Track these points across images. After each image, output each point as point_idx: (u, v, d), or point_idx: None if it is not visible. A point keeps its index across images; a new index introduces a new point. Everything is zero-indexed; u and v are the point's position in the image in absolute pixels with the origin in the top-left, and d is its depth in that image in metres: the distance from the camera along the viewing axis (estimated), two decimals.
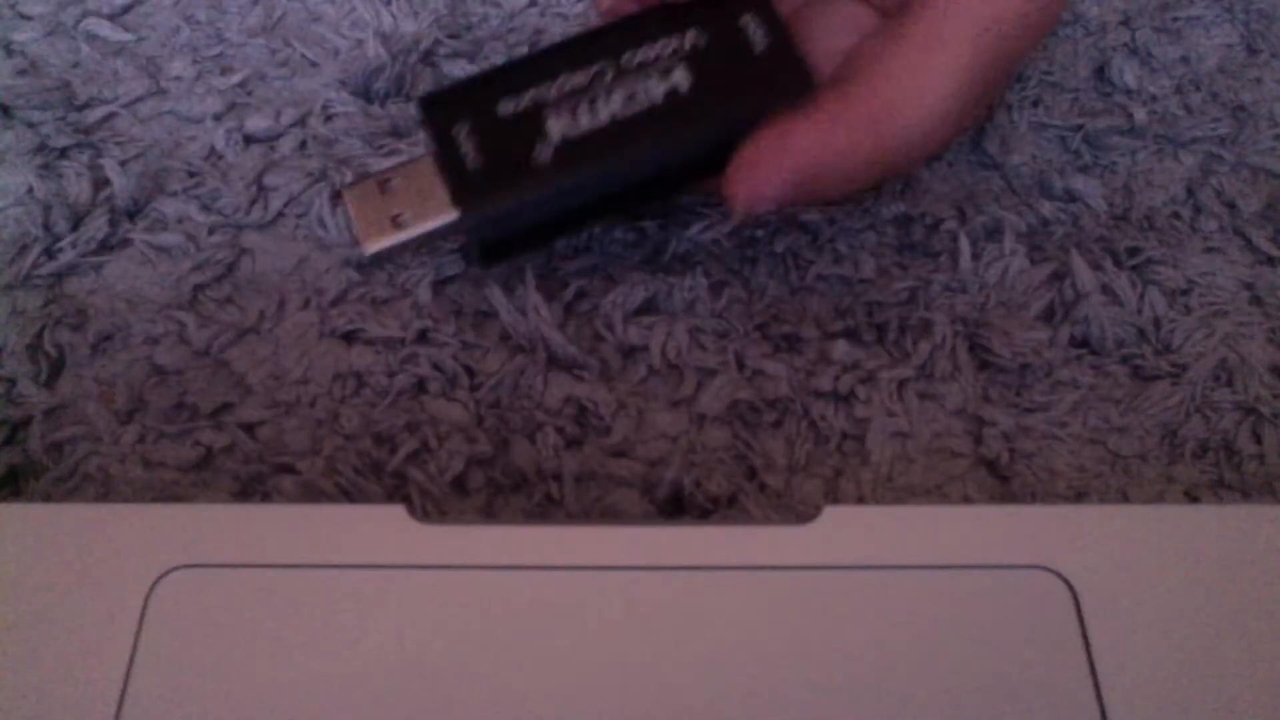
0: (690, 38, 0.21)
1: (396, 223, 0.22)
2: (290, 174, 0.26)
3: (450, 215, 0.21)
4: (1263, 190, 0.26)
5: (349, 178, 0.26)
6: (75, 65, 0.28)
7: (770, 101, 0.21)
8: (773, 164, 0.21)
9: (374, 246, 0.22)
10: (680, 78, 0.21)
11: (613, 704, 0.17)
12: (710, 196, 0.26)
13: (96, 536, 0.18)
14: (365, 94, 0.27)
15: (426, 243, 0.23)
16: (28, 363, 0.23)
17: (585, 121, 0.21)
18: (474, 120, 0.21)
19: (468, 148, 0.21)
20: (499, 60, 0.28)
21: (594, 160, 0.21)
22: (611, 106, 0.21)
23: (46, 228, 0.25)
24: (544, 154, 0.21)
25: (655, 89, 0.21)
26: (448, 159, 0.21)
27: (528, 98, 0.21)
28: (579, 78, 0.21)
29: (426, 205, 0.21)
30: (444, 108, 0.21)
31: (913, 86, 0.21)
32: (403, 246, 0.22)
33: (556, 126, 0.21)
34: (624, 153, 0.21)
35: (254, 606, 0.17)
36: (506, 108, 0.21)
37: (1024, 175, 0.26)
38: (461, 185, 0.21)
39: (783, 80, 0.21)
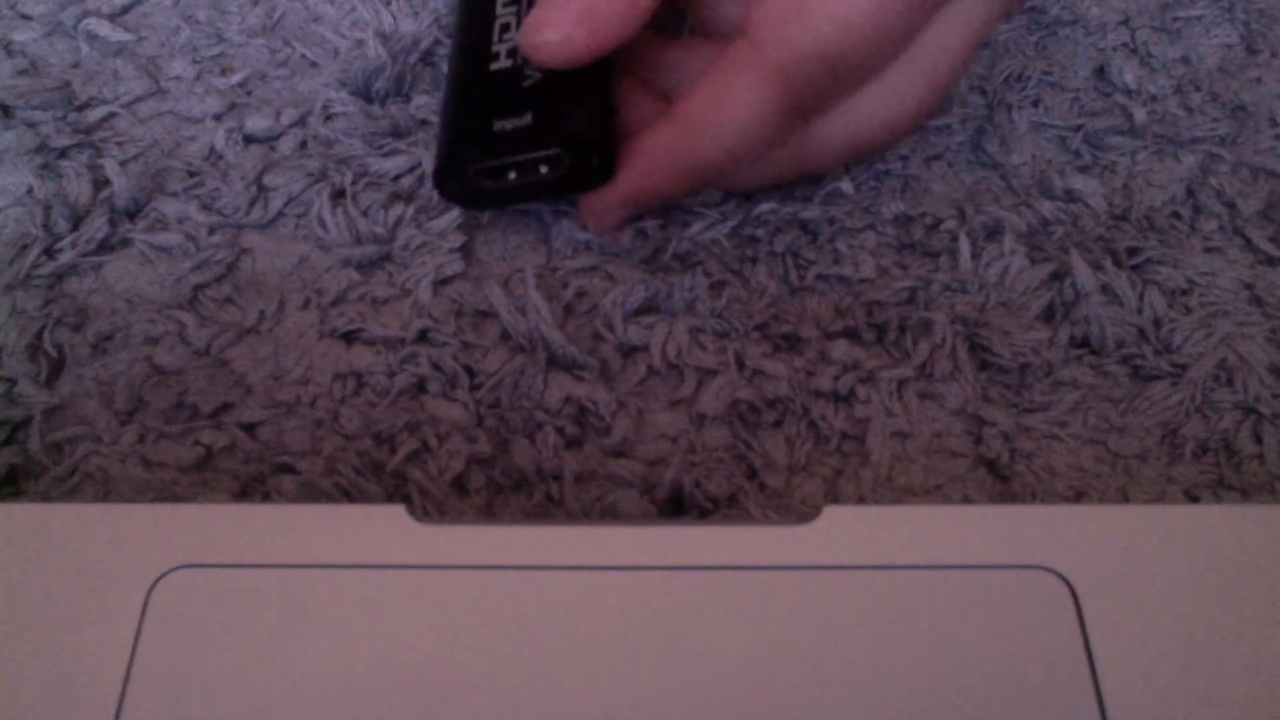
0: None
1: None
2: (290, 174, 0.26)
3: None
4: (1263, 190, 0.26)
5: (349, 178, 0.26)
6: (75, 65, 0.28)
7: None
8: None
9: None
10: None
11: (613, 704, 0.17)
12: (710, 196, 0.26)
13: (96, 536, 0.18)
14: (365, 94, 0.27)
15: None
16: (28, 363, 0.23)
17: None
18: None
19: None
20: None
21: None
22: None
23: (46, 228, 0.25)
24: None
25: None
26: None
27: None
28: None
29: None
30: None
31: (715, 105, 0.22)
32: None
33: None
34: None
35: (254, 606, 0.17)
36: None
37: (1024, 175, 0.26)
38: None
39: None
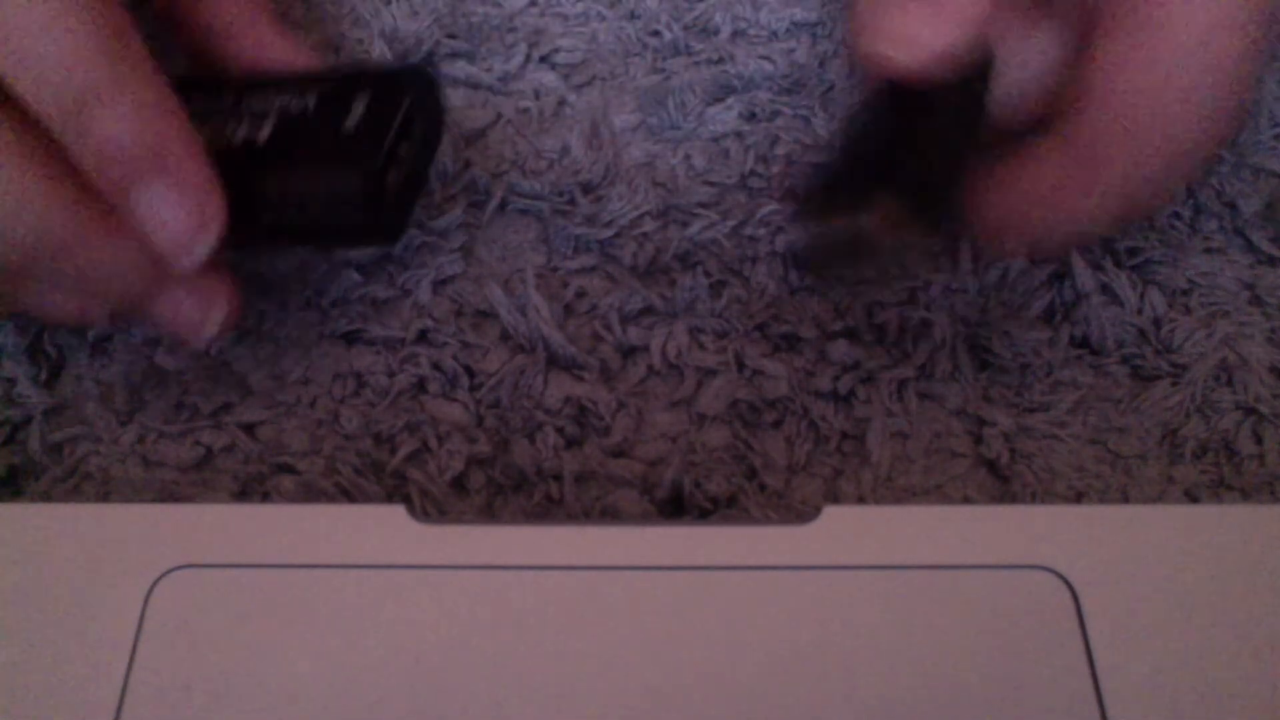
0: (304, 100, 0.21)
1: None
2: None
3: None
4: (1263, 190, 0.26)
5: None
6: None
7: (318, 178, 0.21)
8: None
9: None
10: (263, 132, 0.21)
11: (613, 704, 0.17)
12: (709, 196, 0.26)
13: (96, 536, 0.18)
14: None
15: None
16: (28, 363, 0.23)
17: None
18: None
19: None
20: (498, 61, 0.28)
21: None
22: (204, 133, 0.20)
23: None
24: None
25: (240, 132, 0.21)
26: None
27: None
28: (206, 103, 0.21)
29: None
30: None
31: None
32: None
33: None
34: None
35: (254, 606, 0.17)
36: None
37: None
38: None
39: (340, 158, 0.21)
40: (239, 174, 0.20)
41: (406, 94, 0.21)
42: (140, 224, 0.20)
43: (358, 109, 0.21)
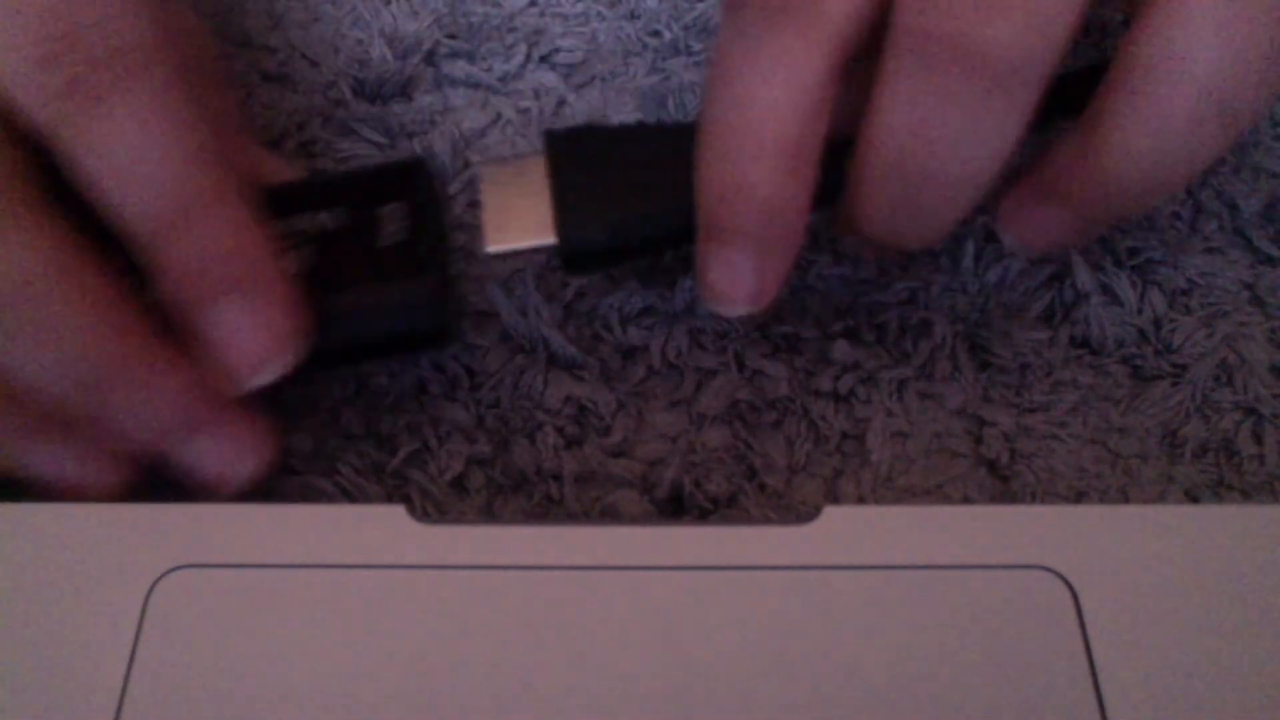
0: (332, 216, 0.21)
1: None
2: (291, 174, 0.26)
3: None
4: (1263, 190, 0.26)
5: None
6: None
7: (378, 290, 0.20)
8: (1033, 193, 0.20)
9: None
10: (301, 260, 0.20)
11: (613, 704, 0.17)
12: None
13: (96, 536, 0.18)
14: (368, 94, 0.27)
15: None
16: None
17: None
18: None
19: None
20: (498, 61, 0.28)
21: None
22: None
23: None
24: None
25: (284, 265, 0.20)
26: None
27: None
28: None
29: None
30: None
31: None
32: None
33: None
34: None
35: (254, 606, 0.17)
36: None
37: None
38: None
39: (398, 270, 0.20)
40: None
41: (421, 191, 0.21)
42: (215, 341, 0.19)
43: (388, 220, 0.20)
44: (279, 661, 0.17)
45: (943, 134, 0.18)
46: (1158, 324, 0.24)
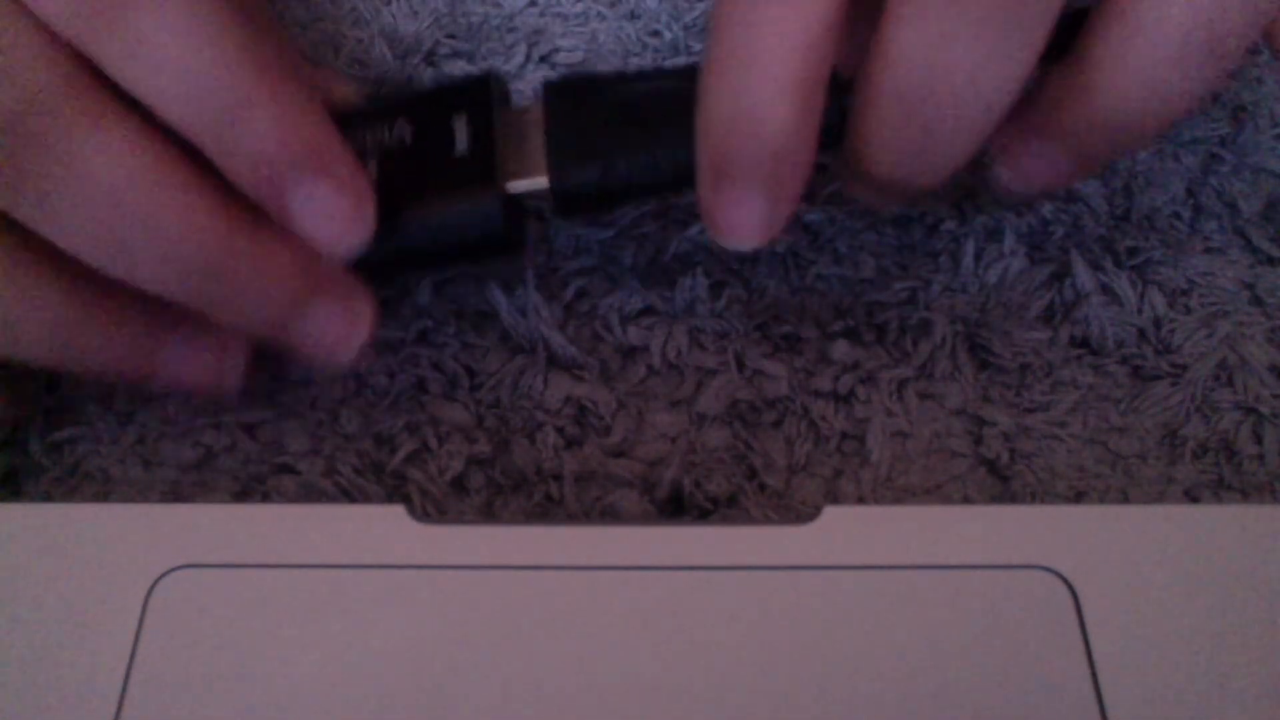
0: (396, 132, 0.21)
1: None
2: None
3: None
4: (1263, 190, 0.26)
5: None
6: None
7: (444, 206, 0.21)
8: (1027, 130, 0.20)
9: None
10: (370, 170, 0.21)
11: (613, 704, 0.17)
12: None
13: (96, 536, 0.18)
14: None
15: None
16: None
17: None
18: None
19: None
20: (498, 61, 0.28)
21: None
22: None
23: None
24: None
25: None
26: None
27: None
28: None
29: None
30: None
31: None
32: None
33: None
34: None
35: (254, 606, 0.17)
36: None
37: None
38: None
39: (464, 182, 0.21)
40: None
41: (488, 104, 0.21)
42: (300, 222, 0.19)
43: (457, 133, 0.21)
44: (279, 661, 0.17)
45: (958, 63, 0.18)
46: (1158, 324, 0.24)
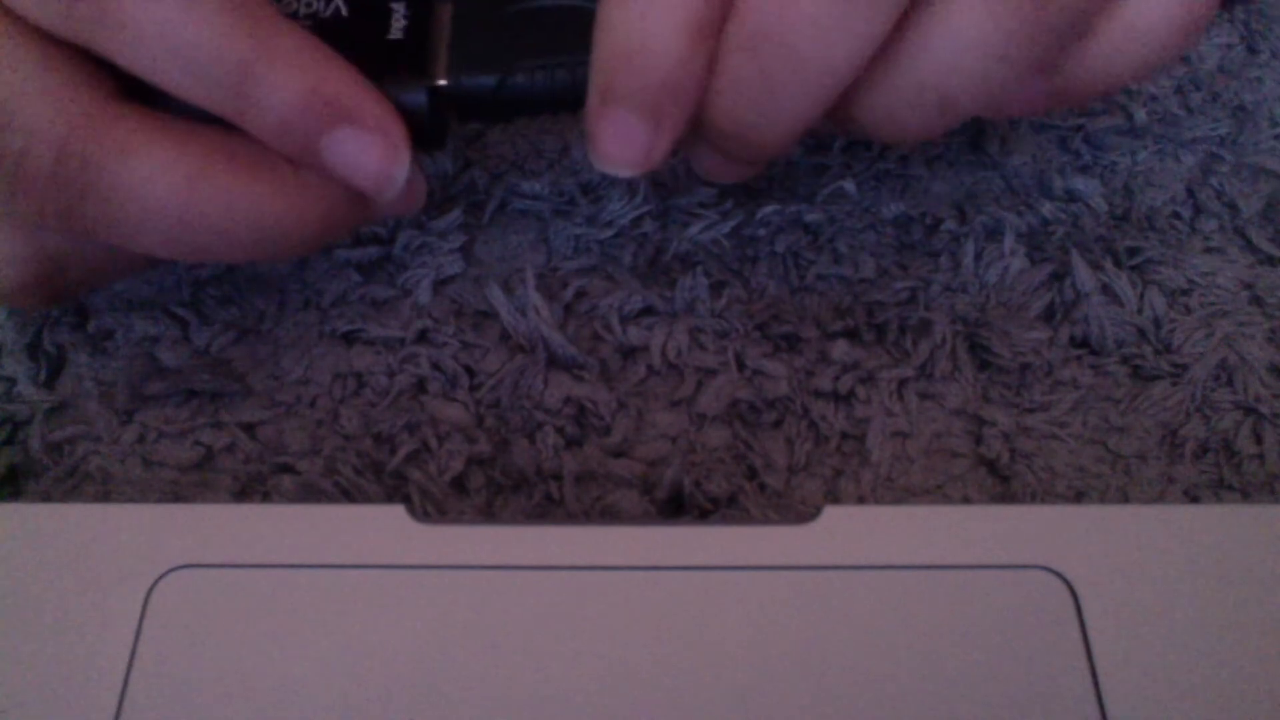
0: (332, 6, 0.21)
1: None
2: None
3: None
4: (1263, 190, 0.26)
5: None
6: None
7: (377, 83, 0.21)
8: None
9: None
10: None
11: (613, 704, 0.17)
12: (709, 196, 0.26)
13: (96, 536, 0.18)
14: None
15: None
16: (28, 362, 0.23)
17: None
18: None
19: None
20: None
21: None
22: None
23: None
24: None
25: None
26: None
27: None
28: None
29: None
30: None
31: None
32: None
33: None
34: None
35: (254, 606, 0.17)
36: None
37: (1024, 175, 0.26)
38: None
39: (393, 70, 0.21)
40: None
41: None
42: (340, 173, 0.20)
43: (398, 16, 0.21)
44: (279, 661, 0.17)
45: (806, 15, 0.19)
46: (1158, 324, 0.24)
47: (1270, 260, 0.25)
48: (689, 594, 0.18)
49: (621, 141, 0.20)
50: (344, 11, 0.21)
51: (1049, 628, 0.17)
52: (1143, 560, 0.18)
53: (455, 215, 0.25)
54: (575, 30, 0.21)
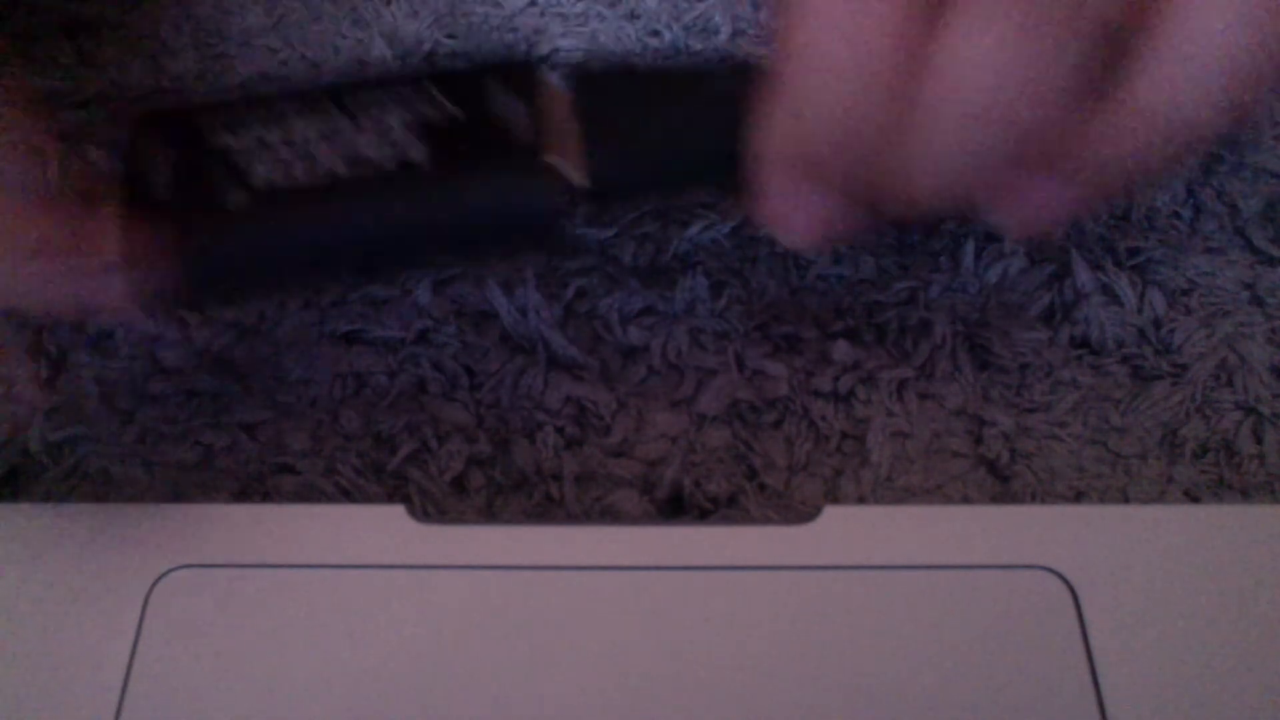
0: (440, 108, 0.20)
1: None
2: None
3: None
4: (1263, 190, 0.26)
5: None
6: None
7: (504, 184, 0.20)
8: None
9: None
10: (416, 150, 0.19)
11: (613, 704, 0.17)
12: (709, 196, 0.26)
13: (96, 536, 0.18)
14: None
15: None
16: (28, 362, 0.23)
17: (299, 173, 0.19)
18: (181, 149, 0.19)
19: (161, 177, 0.19)
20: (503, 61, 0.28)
21: (294, 213, 0.19)
22: (335, 163, 0.19)
23: None
24: (238, 198, 0.19)
25: (387, 156, 0.19)
26: (136, 186, 0.19)
27: (248, 137, 0.19)
28: (311, 126, 0.19)
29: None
30: (155, 128, 0.20)
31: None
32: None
33: (263, 171, 0.19)
34: (334, 211, 0.19)
35: (254, 606, 0.17)
36: (221, 141, 0.19)
37: None
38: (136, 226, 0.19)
39: (524, 167, 0.19)
40: (410, 196, 0.19)
41: (538, 92, 0.20)
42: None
43: (514, 111, 0.20)
44: (279, 661, 0.17)
45: (1017, 69, 0.17)
46: (1158, 324, 0.24)
47: (1270, 260, 0.25)
48: (689, 594, 0.18)
49: (806, 216, 0.20)
50: (460, 116, 0.20)
51: (1049, 628, 0.17)
52: (1143, 560, 0.18)
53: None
54: (704, 100, 0.20)
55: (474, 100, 0.20)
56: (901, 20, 0.18)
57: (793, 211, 0.20)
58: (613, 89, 0.21)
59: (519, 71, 0.20)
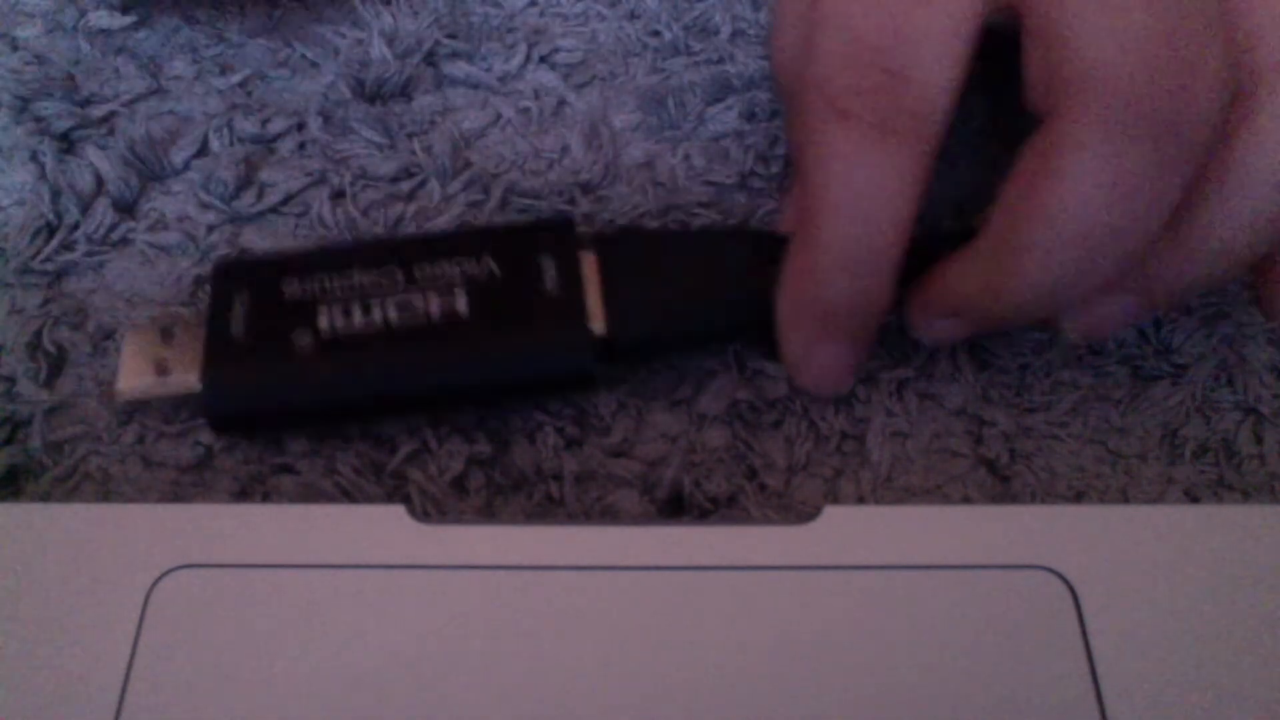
0: (482, 264, 0.22)
1: (160, 370, 0.21)
2: (289, 173, 0.26)
3: (193, 386, 0.21)
4: None
5: (349, 178, 0.26)
6: (76, 63, 0.28)
7: (539, 342, 0.21)
8: (933, 302, 0.21)
9: (128, 391, 0.21)
10: (460, 302, 0.21)
11: (612, 704, 0.17)
12: (710, 195, 0.26)
13: (96, 536, 0.18)
14: (367, 94, 0.27)
15: (181, 402, 0.22)
16: (28, 362, 0.23)
17: (357, 321, 0.21)
18: (254, 296, 0.21)
19: (238, 322, 0.21)
20: (498, 61, 0.28)
21: (354, 360, 0.21)
22: (388, 312, 0.21)
23: (50, 224, 0.25)
24: (305, 343, 0.21)
25: (433, 307, 0.21)
26: (216, 328, 0.21)
27: (312, 285, 0.21)
28: (368, 277, 0.21)
29: (185, 367, 0.21)
30: (232, 277, 0.22)
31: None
32: (154, 398, 0.22)
33: (327, 319, 0.21)
34: (386, 360, 0.21)
35: (254, 606, 0.17)
36: (290, 290, 0.21)
37: None
38: (216, 359, 0.21)
39: (557, 324, 0.21)
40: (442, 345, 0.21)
41: (570, 246, 0.22)
42: None
43: (548, 269, 0.21)
44: (279, 662, 0.17)
45: (1138, 200, 0.18)
46: (1158, 324, 0.24)
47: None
48: (689, 594, 0.18)
49: (837, 370, 0.22)
50: (496, 271, 0.21)
51: (1049, 628, 0.17)
52: (1143, 560, 0.18)
53: (455, 215, 0.25)
54: (729, 259, 0.22)
55: (513, 258, 0.22)
56: (921, 194, 0.20)
57: (818, 365, 0.22)
58: (638, 252, 0.22)
59: (556, 231, 0.22)
